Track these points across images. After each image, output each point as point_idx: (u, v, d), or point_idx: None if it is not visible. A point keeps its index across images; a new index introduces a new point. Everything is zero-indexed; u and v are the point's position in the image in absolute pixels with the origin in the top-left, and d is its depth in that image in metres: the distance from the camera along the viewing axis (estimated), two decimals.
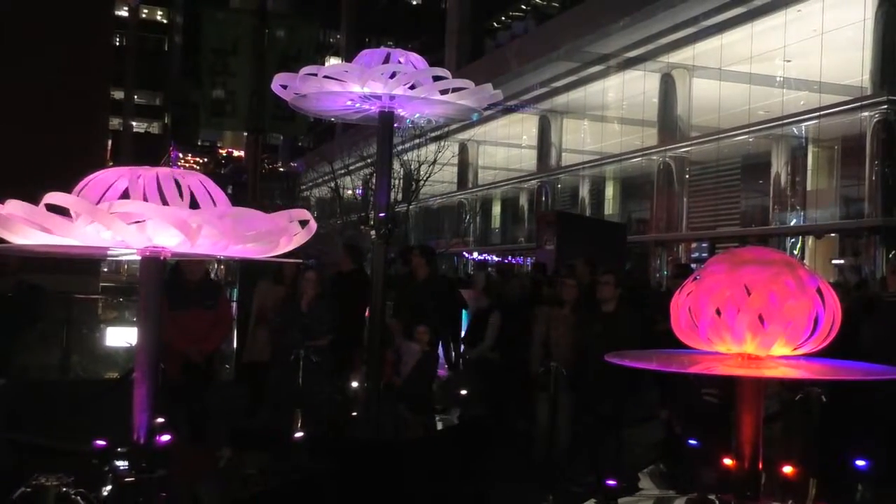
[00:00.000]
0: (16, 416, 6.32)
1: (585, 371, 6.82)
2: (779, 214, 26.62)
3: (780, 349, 3.15)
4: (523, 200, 41.53)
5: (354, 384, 6.60)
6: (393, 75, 5.36)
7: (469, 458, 6.22)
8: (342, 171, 26.87)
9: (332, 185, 27.63)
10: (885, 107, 22.51)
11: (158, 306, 3.38)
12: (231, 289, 11.88)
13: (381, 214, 5.84)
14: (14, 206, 2.81)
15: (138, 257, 3.22)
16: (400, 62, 5.51)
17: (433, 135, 24.57)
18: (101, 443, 3.52)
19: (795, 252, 24.85)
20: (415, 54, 5.65)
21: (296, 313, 6.87)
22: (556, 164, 38.27)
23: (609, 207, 36.54)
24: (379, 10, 57.83)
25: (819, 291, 3.14)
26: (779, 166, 26.86)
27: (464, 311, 10.21)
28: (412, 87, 5.43)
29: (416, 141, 23.69)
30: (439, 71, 5.54)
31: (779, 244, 25.16)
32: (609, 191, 36.95)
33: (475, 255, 37.70)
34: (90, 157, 11.83)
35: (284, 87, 5.60)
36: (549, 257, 14.58)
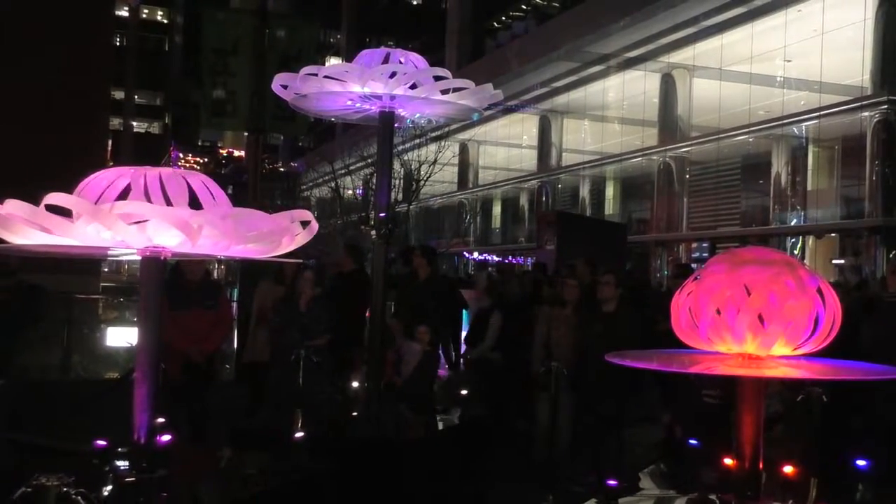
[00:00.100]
0: (16, 416, 6.32)
1: (586, 371, 6.82)
2: (779, 214, 26.62)
3: (781, 349, 3.15)
4: (524, 200, 41.52)
5: (355, 384, 6.60)
6: (393, 75, 5.36)
7: (469, 458, 6.22)
8: (342, 171, 26.87)
9: (333, 185, 27.63)
10: (886, 107, 22.49)
11: (159, 306, 3.38)
12: (231, 289, 11.88)
13: (382, 214, 5.85)
14: (14, 206, 2.81)
15: (139, 257, 3.22)
16: (400, 62, 5.52)
17: (433, 135, 24.56)
18: (101, 443, 3.52)
19: (796, 252, 24.84)
20: (415, 54, 5.65)
21: (294, 313, 6.87)
22: (557, 164, 38.26)
23: (609, 207, 36.53)
24: (379, 10, 57.82)
25: (819, 291, 3.14)
26: (779, 166, 26.85)
27: (464, 311, 10.21)
28: (413, 87, 5.43)
29: (417, 141, 23.67)
30: (440, 71, 5.54)
31: (779, 244, 25.16)
32: (609, 191, 36.95)
33: (475, 255, 37.70)
34: (90, 157, 11.84)
35: (285, 87, 5.60)
36: (550, 257, 14.56)
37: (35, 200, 2.83)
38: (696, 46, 28.81)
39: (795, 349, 3.17)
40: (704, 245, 29.02)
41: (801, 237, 26.31)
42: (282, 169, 55.36)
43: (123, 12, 66.87)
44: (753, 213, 28.26)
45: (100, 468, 3.43)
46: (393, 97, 5.52)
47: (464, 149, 42.77)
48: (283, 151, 66.34)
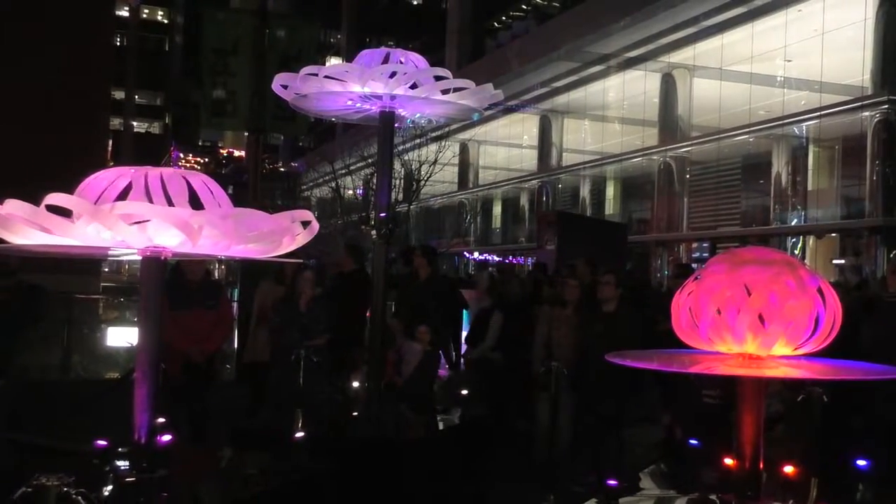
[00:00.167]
0: (17, 416, 6.32)
1: (586, 371, 6.82)
2: (779, 214, 26.61)
3: (781, 349, 3.14)
4: (524, 200, 41.51)
5: (355, 384, 6.60)
6: (393, 75, 5.36)
7: (470, 458, 6.22)
8: (343, 171, 26.86)
9: (333, 185, 27.62)
10: (886, 107, 22.48)
11: (159, 306, 3.38)
12: (232, 289, 11.88)
13: (382, 214, 5.85)
14: (14, 206, 2.80)
15: (139, 257, 3.22)
16: (400, 62, 5.52)
17: (434, 135, 24.55)
18: (101, 443, 3.52)
19: (796, 252, 24.83)
20: (415, 54, 5.65)
21: (294, 313, 6.87)
22: (557, 164, 38.26)
23: (610, 207, 36.52)
24: (380, 10, 57.80)
25: (820, 291, 3.14)
26: (779, 166, 26.85)
27: (465, 311, 10.21)
28: (413, 87, 5.43)
29: (417, 141, 23.66)
30: (440, 71, 5.54)
31: (779, 244, 25.15)
32: (610, 191, 36.94)
33: (476, 255, 37.70)
34: (90, 157, 11.85)
35: (285, 87, 5.60)
36: (550, 257, 14.56)
37: (35, 200, 2.83)
38: (697, 46, 28.80)
39: (796, 349, 3.17)
40: (705, 245, 29.02)
41: (801, 237, 26.30)
42: (282, 169, 55.41)
43: (123, 12, 66.88)
44: (754, 212, 28.26)
45: (100, 468, 3.42)
46: (393, 97, 5.52)
47: (464, 149, 42.75)
48: (283, 151, 66.35)
